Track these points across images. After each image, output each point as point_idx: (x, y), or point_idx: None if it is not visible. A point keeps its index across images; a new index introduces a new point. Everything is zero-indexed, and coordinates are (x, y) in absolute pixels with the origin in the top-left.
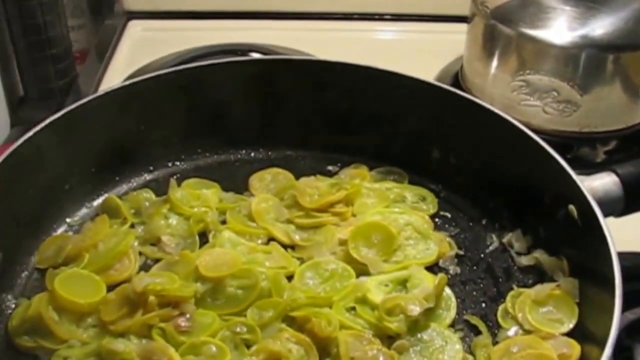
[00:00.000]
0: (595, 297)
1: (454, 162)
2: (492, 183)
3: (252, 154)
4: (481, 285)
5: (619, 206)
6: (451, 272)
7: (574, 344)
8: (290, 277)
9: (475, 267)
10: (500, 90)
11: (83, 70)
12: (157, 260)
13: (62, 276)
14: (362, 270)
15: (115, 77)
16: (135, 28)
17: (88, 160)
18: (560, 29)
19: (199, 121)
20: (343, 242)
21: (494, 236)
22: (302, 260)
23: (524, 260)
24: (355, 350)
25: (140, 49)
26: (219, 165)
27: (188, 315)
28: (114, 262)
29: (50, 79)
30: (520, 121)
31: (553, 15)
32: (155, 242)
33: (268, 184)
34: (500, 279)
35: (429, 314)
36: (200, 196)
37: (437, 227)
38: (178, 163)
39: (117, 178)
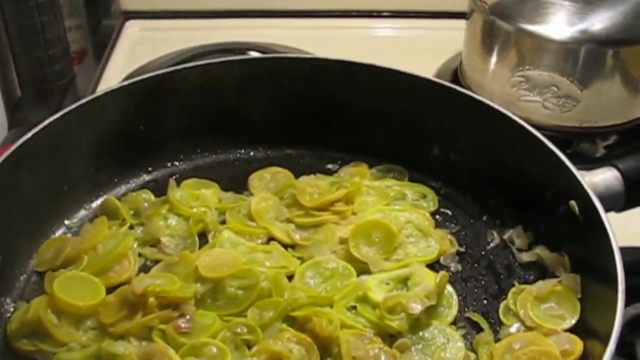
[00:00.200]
0: (598, 293)
1: (454, 159)
2: (493, 179)
3: (252, 153)
4: (482, 282)
5: (620, 201)
6: (452, 269)
7: (576, 340)
8: (290, 277)
9: (476, 264)
10: (499, 86)
11: (81, 71)
12: (156, 262)
13: (61, 279)
14: (362, 269)
15: (113, 77)
16: (132, 28)
17: (86, 161)
18: (559, 24)
19: (198, 121)
20: (343, 241)
21: (495, 233)
22: (302, 260)
23: (525, 257)
24: (357, 350)
25: (138, 49)
26: (218, 165)
27: (188, 317)
28: (113, 264)
29: (47, 79)
30: (520, 117)
31: (552, 10)
32: (155, 243)
33: (267, 183)
34: (502, 276)
35: (430, 311)
36: (200, 196)
37: (437, 225)
38: (177, 163)
39: (115, 179)
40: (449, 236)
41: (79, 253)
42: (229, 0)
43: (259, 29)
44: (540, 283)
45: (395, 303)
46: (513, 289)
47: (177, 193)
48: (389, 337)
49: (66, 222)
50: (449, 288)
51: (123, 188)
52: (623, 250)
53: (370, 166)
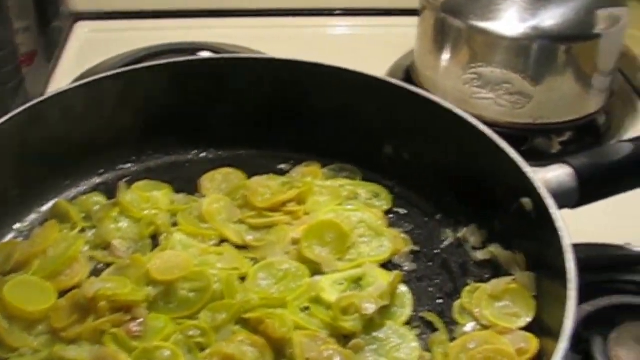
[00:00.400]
0: (552, 290)
1: (407, 157)
2: (446, 178)
3: (203, 154)
4: (437, 282)
5: (573, 198)
6: (406, 268)
7: (531, 338)
8: (243, 279)
9: (430, 263)
10: (452, 83)
11: (30, 73)
12: (108, 265)
13: (11, 283)
14: (315, 270)
15: (63, 79)
16: (82, 29)
17: (36, 164)
18: (511, 21)
19: (149, 122)
20: (296, 242)
21: (449, 231)
22: (255, 261)
23: (480, 255)
24: (310, 351)
25: (89, 51)
26: (170, 167)
27: (140, 320)
28: (64, 268)
29: None
30: (473, 114)
31: (503, 6)
32: (106, 246)
33: (219, 185)
34: (456, 275)
35: (384, 312)
36: (151, 198)
37: (391, 224)
38: (128, 165)
39: (66, 182)
40: (403, 235)
41: (29, 257)
42: (180, 0)
43: (211, 29)
44: (494, 281)
45: (348, 303)
46: (467, 288)
47: (128, 195)
48: (343, 338)
49: (16, 226)
50: (402, 288)
51: (74, 191)
52: (578, 247)
53: (323, 166)
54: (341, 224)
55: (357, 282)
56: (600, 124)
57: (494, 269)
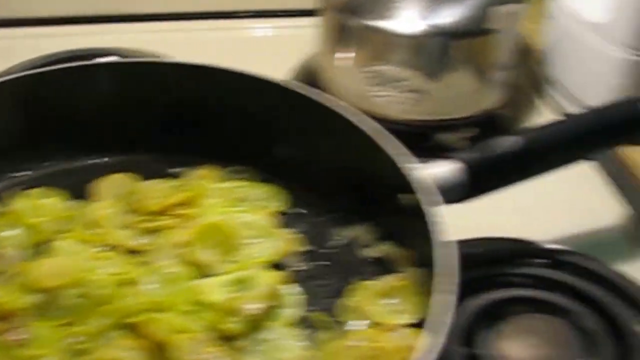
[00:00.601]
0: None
1: (302, 158)
2: (339, 177)
3: (95, 160)
4: (328, 281)
5: (461, 192)
6: (297, 268)
7: (418, 334)
8: (130, 283)
9: (322, 263)
10: (353, 83)
11: None
12: None
13: None
14: (202, 272)
15: None
16: None
17: None
18: (407, 19)
19: (42, 129)
20: (184, 245)
21: (341, 230)
22: (144, 265)
23: (371, 253)
24: (193, 353)
25: None
26: (61, 174)
27: (23, 328)
28: None
29: None
30: (375, 113)
31: (401, 5)
32: None
33: (111, 190)
34: (347, 273)
35: (270, 312)
36: (41, 206)
37: (285, 224)
38: (20, 173)
39: None
40: (294, 235)
41: None
42: (79, 6)
43: (112, 34)
44: (383, 279)
45: (233, 305)
46: (357, 286)
47: (18, 203)
48: (228, 340)
49: None
50: (291, 288)
51: None
52: (471, 241)
53: (217, 168)
54: (229, 226)
55: (243, 283)
56: (502, 119)
57: (385, 267)
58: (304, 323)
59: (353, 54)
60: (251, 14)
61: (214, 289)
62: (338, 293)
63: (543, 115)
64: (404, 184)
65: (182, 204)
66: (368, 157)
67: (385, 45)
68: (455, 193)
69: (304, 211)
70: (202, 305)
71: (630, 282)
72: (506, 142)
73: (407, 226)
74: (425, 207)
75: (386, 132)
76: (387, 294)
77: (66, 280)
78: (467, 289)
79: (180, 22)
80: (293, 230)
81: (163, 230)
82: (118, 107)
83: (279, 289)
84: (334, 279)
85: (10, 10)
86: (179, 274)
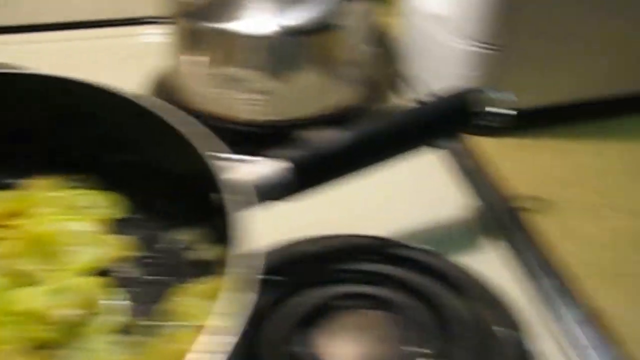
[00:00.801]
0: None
1: (138, 164)
2: (174, 182)
3: None
4: (153, 286)
5: (285, 190)
6: (123, 274)
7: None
8: None
9: (150, 268)
10: (206, 87)
11: None
12: None
13: None
14: (23, 282)
15: None
16: None
17: None
18: (254, 20)
19: None
20: (11, 255)
21: (174, 234)
22: None
23: (200, 256)
24: None
25: None
26: None
27: None
28: None
29: None
30: (230, 116)
31: (248, 7)
32: None
33: None
34: (174, 277)
35: (89, 319)
36: None
37: (117, 230)
38: None
39: None
40: (125, 241)
41: None
42: None
43: None
44: (204, 280)
45: (46, 313)
46: (180, 289)
47: None
48: (44, 349)
49: None
50: (114, 294)
51: None
52: (305, 241)
53: (56, 177)
54: (53, 235)
55: (61, 291)
56: (356, 115)
57: (209, 269)
58: (125, 329)
59: (204, 59)
60: (104, 23)
61: (30, 298)
62: (161, 297)
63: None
64: (215, 184)
65: (12, 215)
66: (186, 159)
67: (233, 47)
68: (279, 191)
69: (141, 217)
70: (16, 315)
71: (465, 274)
72: (333, 137)
73: (221, 226)
74: (229, 206)
75: (209, 134)
76: (208, 296)
77: None
78: (296, 287)
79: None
80: (125, 236)
81: None
82: None
83: (97, 295)
84: (160, 283)
85: None
86: (2, 284)
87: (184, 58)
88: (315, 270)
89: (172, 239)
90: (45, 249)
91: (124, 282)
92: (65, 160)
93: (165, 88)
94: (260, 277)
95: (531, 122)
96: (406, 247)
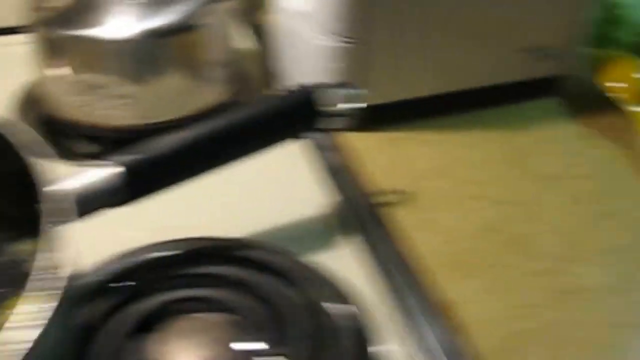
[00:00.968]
0: None
1: None
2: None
3: None
4: None
5: (118, 196)
6: None
7: None
8: None
9: None
10: (69, 94)
11: None
12: None
13: None
14: None
15: None
16: None
17: None
18: (114, 25)
19: None
20: None
21: (11, 245)
22: None
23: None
24: None
25: None
26: None
27: None
28: None
29: None
30: (96, 123)
31: (107, 12)
32: None
33: None
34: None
35: None
36: None
37: None
38: None
39: None
40: None
41: None
42: None
43: None
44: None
45: None
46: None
47: None
48: None
49: None
50: None
51: None
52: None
53: None
54: None
55: None
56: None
57: None
58: None
59: (67, 67)
60: None
61: None
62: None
63: None
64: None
65: None
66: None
67: (93, 54)
68: (110, 198)
69: None
70: None
71: (306, 270)
72: (169, 140)
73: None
74: (44, 217)
75: (39, 143)
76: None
77: None
78: (134, 295)
79: None
80: None
81: None
82: None
83: None
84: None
85: None
86: None
87: (48, 67)
88: (154, 276)
89: (15, 250)
90: None
91: None
92: None
93: (32, 99)
94: (63, 288)
95: (402, 115)
96: (250, 247)
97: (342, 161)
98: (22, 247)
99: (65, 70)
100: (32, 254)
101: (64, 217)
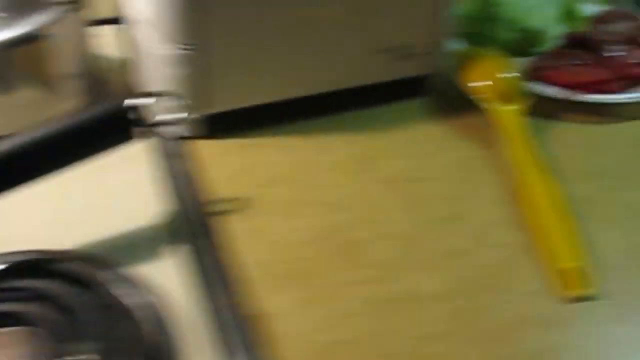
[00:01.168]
0: None
1: None
2: None
3: None
4: None
5: None
6: None
7: None
8: None
9: None
10: None
11: None
12: None
13: None
14: None
15: None
16: None
17: None
18: None
19: None
20: None
21: None
22: None
23: None
24: None
25: None
26: None
27: None
28: None
29: None
30: None
31: None
32: None
33: None
34: None
35: None
36: None
37: None
38: None
39: None
40: None
41: None
42: None
43: None
44: None
45: None
46: None
47: None
48: None
49: None
50: None
51: None
52: None
53: None
54: None
55: None
56: None
57: None
58: None
59: None
60: None
61: None
62: None
63: None
64: None
65: None
66: None
67: None
68: None
69: None
70: None
71: (124, 282)
72: None
73: None
74: None
75: None
76: None
77: None
78: None
79: None
80: None
81: None
82: None
83: None
84: None
85: None
86: None
87: None
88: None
89: None
90: None
91: None
92: None
93: None
94: None
95: (257, 120)
96: (69, 259)
97: (185, 169)
98: None
99: None
100: None
101: None
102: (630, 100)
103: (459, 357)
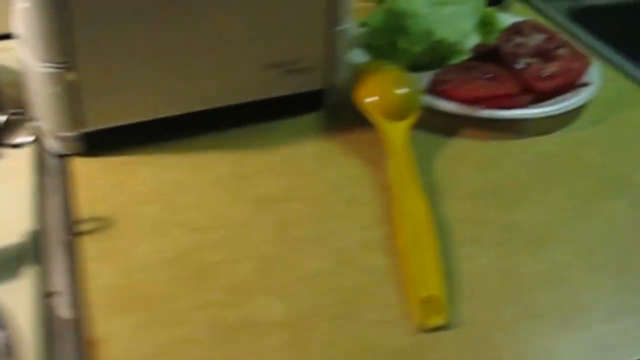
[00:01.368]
0: None
1: None
2: None
3: None
4: None
5: None
6: None
7: None
8: None
9: None
10: None
11: None
12: None
13: None
14: None
15: None
16: None
17: None
18: None
19: None
20: None
21: None
22: None
23: None
24: None
25: None
26: None
27: None
28: None
29: None
30: None
31: None
32: None
33: None
34: None
35: None
36: None
37: None
38: None
39: None
40: None
41: None
42: None
43: None
44: None
45: None
46: None
47: None
48: None
49: None
50: None
51: None
52: None
53: None
54: None
55: None
56: None
57: None
58: None
59: None
60: None
61: None
62: None
63: None
64: None
65: None
66: None
67: None
68: None
69: None
70: None
71: None
72: None
73: None
74: None
75: None
76: None
77: None
78: None
79: None
80: None
81: None
82: None
83: None
84: None
85: None
86: None
87: None
88: None
89: None
90: None
91: None
92: None
93: None
94: None
95: (126, 140)
96: None
97: (56, 187)
98: None
99: None
100: None
101: None
102: (533, 116)
103: None
